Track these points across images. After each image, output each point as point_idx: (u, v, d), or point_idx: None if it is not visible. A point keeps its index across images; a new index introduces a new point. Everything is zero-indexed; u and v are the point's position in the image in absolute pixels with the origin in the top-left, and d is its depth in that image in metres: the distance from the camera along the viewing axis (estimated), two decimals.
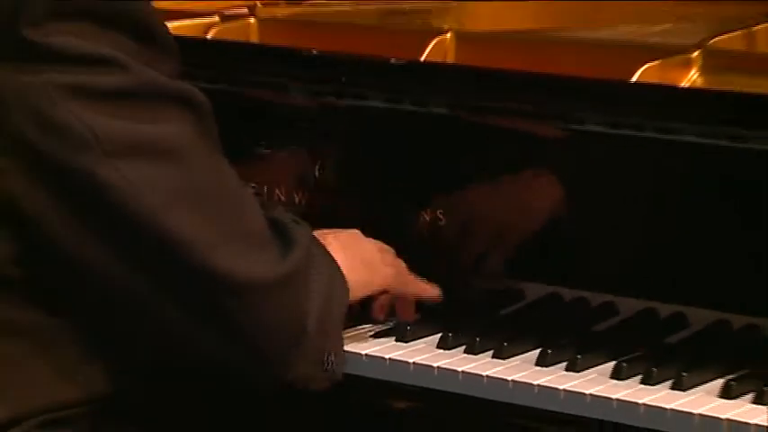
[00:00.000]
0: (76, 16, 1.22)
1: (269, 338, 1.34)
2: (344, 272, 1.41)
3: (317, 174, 1.57)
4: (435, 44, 1.57)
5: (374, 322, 1.51)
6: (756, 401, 1.31)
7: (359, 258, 1.44)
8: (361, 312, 1.49)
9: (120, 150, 1.23)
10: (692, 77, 1.48)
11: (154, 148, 1.26)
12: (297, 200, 1.58)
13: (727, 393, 1.32)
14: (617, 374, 1.36)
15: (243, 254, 1.32)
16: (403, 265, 1.51)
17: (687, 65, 1.48)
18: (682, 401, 1.30)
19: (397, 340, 1.50)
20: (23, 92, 1.21)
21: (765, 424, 1.26)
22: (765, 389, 1.31)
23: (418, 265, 1.54)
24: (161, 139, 1.27)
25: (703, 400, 1.31)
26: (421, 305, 1.54)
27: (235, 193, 1.35)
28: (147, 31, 1.27)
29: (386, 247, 1.51)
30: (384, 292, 1.49)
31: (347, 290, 1.41)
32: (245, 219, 1.35)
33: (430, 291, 1.53)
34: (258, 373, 1.37)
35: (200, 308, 1.31)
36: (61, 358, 1.29)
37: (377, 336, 1.50)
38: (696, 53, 1.49)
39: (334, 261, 1.42)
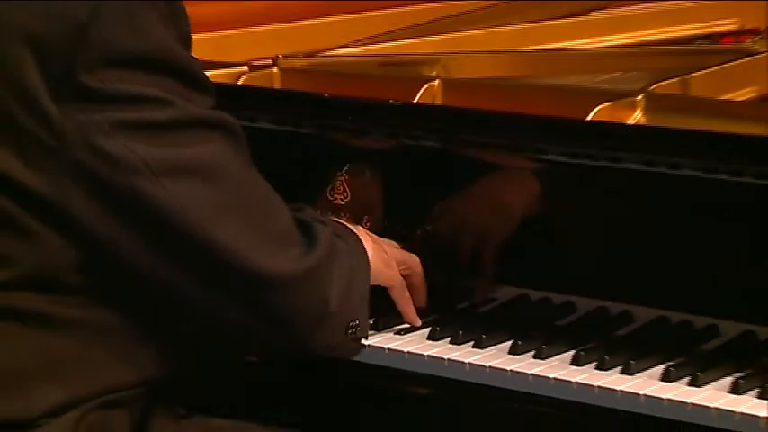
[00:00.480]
0: (126, 64, 1.21)
1: (297, 320, 1.33)
2: (369, 255, 1.42)
3: (328, 194, 1.57)
4: (426, 89, 1.58)
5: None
6: (692, 384, 1.30)
7: (381, 251, 1.44)
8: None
9: (166, 172, 1.22)
10: (636, 116, 1.49)
11: (196, 168, 1.26)
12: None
13: (667, 377, 1.32)
14: (576, 361, 1.37)
15: (275, 253, 1.31)
16: (415, 281, 1.50)
17: (632, 106, 1.50)
18: (629, 384, 1.31)
19: (394, 333, 1.49)
20: (83, 128, 1.20)
21: (698, 402, 1.26)
22: (700, 374, 1.30)
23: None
24: (201, 160, 1.26)
25: (648, 383, 1.31)
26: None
27: (267, 199, 1.33)
28: (188, 74, 1.26)
29: (410, 258, 1.51)
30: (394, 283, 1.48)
31: (369, 270, 1.41)
32: (277, 221, 1.34)
33: (411, 319, 1.50)
34: (289, 346, 1.37)
35: (241, 300, 1.30)
36: (116, 349, 1.28)
37: (373, 328, 1.49)
38: (640, 97, 1.50)
39: (360, 246, 1.42)
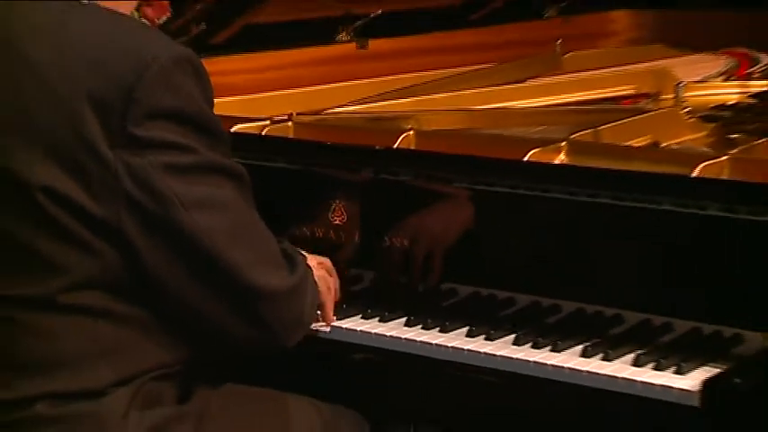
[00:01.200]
0: (164, 117, 1.20)
1: (281, 326, 1.32)
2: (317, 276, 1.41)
3: (329, 217, 1.57)
4: (403, 138, 1.61)
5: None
6: (604, 359, 1.32)
7: (318, 267, 1.44)
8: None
9: (194, 205, 1.22)
10: (561, 158, 1.52)
11: (214, 204, 1.24)
12: (317, 233, 1.58)
13: (585, 354, 1.33)
14: (516, 342, 1.38)
15: (268, 272, 1.29)
16: (326, 280, 1.47)
17: (558, 150, 1.52)
18: (557, 359, 1.33)
19: (378, 321, 1.48)
20: (131, 168, 1.18)
21: (609, 373, 1.29)
22: (610, 351, 1.32)
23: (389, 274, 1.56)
24: (219, 198, 1.25)
25: (570, 359, 1.33)
26: (387, 298, 1.52)
27: (263, 232, 1.31)
28: (211, 129, 1.25)
29: (327, 262, 1.49)
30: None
31: (317, 289, 1.39)
32: (269, 248, 1.32)
33: (328, 307, 1.48)
34: (271, 345, 1.35)
35: (240, 306, 1.28)
36: (160, 337, 1.27)
37: (364, 318, 1.49)
38: (563, 143, 1.53)
39: (310, 268, 1.39)
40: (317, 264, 1.46)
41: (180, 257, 1.24)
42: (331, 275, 1.50)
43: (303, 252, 1.43)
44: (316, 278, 1.41)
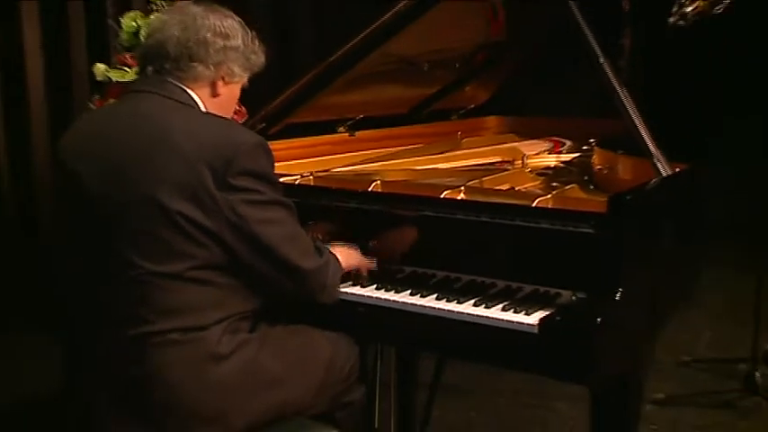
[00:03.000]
0: (249, 174, 1.19)
1: (312, 287, 1.29)
2: (340, 258, 1.35)
3: (333, 228, 1.53)
4: (374, 185, 1.59)
5: (353, 281, 1.42)
6: (486, 308, 1.26)
7: (344, 254, 1.38)
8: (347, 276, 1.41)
9: (261, 222, 1.20)
10: (461, 195, 1.50)
11: (273, 221, 1.22)
12: (325, 236, 1.53)
13: (475, 305, 1.28)
14: (439, 298, 1.34)
15: (305, 257, 1.26)
16: (358, 259, 1.40)
17: (459, 191, 1.50)
18: (460, 307, 1.30)
19: (354, 285, 1.42)
20: (229, 202, 1.17)
21: (489, 315, 1.25)
22: (489, 303, 1.28)
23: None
24: (275, 218, 1.23)
25: (467, 307, 1.29)
26: (372, 277, 1.44)
27: (301, 234, 1.28)
28: (271, 180, 1.23)
29: (352, 250, 1.41)
30: (352, 269, 1.41)
31: (340, 266, 1.34)
32: (305, 243, 1.28)
33: (367, 265, 1.43)
34: (306, 298, 1.30)
35: (289, 277, 1.25)
36: (240, 296, 1.24)
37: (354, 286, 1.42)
38: (462, 187, 1.51)
39: (335, 256, 1.34)
40: (342, 249, 1.37)
41: (254, 251, 1.21)
42: (369, 260, 1.42)
43: (343, 249, 1.36)
44: (337, 255, 1.33)
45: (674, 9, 1.63)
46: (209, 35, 1.22)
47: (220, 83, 1.26)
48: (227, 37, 1.24)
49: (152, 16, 2.21)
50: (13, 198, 2.68)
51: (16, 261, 2.73)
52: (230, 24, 1.26)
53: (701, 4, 1.64)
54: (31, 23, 2.50)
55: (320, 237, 1.47)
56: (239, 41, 1.26)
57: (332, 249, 1.34)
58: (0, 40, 2.44)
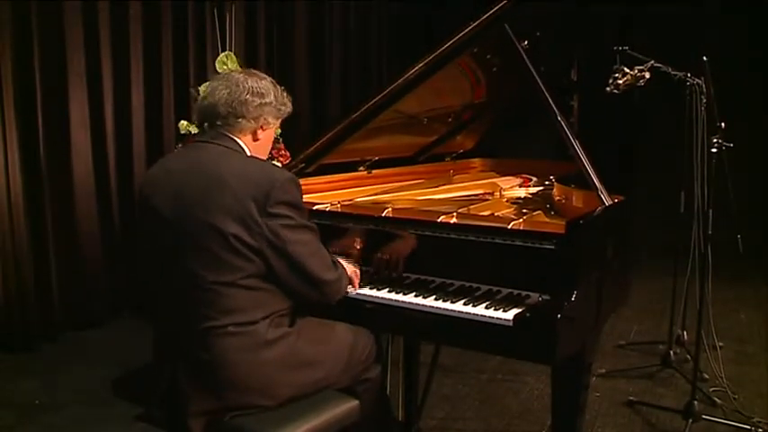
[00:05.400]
0: (283, 205, 1.16)
1: (331, 294, 1.25)
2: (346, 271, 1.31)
3: (354, 245, 1.50)
4: (387, 211, 1.53)
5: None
6: (472, 307, 1.26)
7: (349, 267, 1.35)
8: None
9: (294, 242, 1.17)
10: (453, 219, 1.45)
11: (303, 241, 1.18)
12: (348, 252, 1.50)
13: (465, 303, 1.27)
14: (428, 298, 1.31)
15: (326, 271, 1.22)
16: (351, 269, 1.35)
17: (452, 216, 1.46)
18: (446, 305, 1.27)
19: (369, 288, 1.39)
20: (268, 226, 1.15)
21: (472, 311, 1.23)
22: (474, 302, 1.26)
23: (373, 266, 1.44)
24: (305, 239, 1.19)
25: (452, 305, 1.27)
26: (378, 279, 1.40)
27: (324, 253, 1.23)
28: (301, 208, 1.19)
29: (351, 266, 1.37)
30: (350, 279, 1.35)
31: (347, 275, 1.31)
32: (326, 260, 1.23)
33: (357, 273, 1.37)
34: (326, 302, 1.26)
35: (313, 286, 1.21)
36: (279, 298, 1.21)
37: (369, 288, 1.40)
38: (454, 213, 1.47)
39: (345, 269, 1.31)
40: (348, 265, 1.36)
41: (288, 264, 1.18)
42: (356, 269, 1.40)
43: (343, 261, 1.33)
44: (347, 270, 1.32)
45: (610, 81, 1.72)
46: (248, 96, 1.21)
47: (260, 130, 1.24)
48: (262, 95, 1.22)
49: None
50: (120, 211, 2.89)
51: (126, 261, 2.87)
52: (264, 85, 1.23)
53: (630, 78, 1.70)
54: (137, 89, 2.85)
55: (333, 251, 1.40)
56: (272, 98, 1.23)
57: (340, 261, 1.32)
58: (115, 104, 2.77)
